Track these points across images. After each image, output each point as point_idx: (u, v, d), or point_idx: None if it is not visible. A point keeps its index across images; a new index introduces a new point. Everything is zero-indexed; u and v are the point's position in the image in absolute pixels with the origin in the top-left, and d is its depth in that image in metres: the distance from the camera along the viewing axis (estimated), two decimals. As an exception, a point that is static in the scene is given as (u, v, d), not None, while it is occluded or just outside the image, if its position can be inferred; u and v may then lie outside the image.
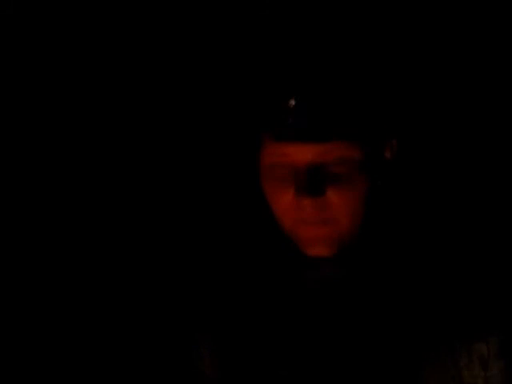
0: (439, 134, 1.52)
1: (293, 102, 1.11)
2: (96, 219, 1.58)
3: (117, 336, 1.50)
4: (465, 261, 1.20)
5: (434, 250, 1.21)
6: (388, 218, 1.24)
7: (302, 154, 1.12)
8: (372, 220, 1.19)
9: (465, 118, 1.52)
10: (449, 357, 1.16)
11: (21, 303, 1.57)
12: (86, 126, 1.59)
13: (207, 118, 1.56)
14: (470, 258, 1.20)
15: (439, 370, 1.16)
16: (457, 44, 1.51)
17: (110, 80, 1.58)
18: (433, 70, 1.51)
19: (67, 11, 1.56)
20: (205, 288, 1.28)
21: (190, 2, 1.55)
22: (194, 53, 1.55)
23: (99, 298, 1.55)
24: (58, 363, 1.53)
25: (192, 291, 1.29)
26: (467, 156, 1.52)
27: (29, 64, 1.58)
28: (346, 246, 1.18)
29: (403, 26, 1.47)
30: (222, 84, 1.53)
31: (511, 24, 1.51)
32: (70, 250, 1.57)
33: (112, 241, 1.58)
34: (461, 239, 1.23)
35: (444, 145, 1.52)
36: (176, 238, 1.55)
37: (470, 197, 1.48)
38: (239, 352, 1.23)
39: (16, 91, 1.59)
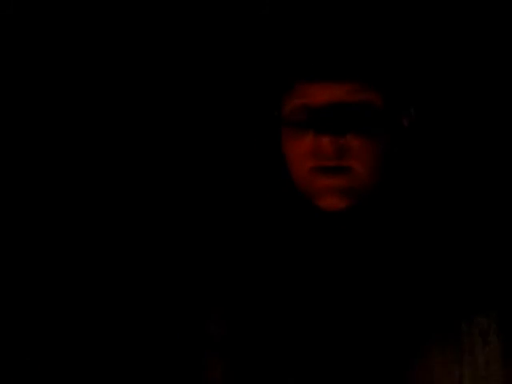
0: (457, 111, 1.52)
1: (319, 39, 1.12)
2: (98, 207, 1.58)
3: (125, 310, 1.49)
4: (470, 236, 1.23)
5: (442, 222, 1.23)
6: (401, 184, 1.24)
7: (325, 93, 1.12)
8: (386, 183, 1.19)
9: (483, 105, 1.53)
10: (451, 332, 1.18)
11: (21, 303, 1.56)
12: (86, 126, 1.60)
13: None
14: (474, 235, 1.23)
15: (442, 348, 1.18)
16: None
17: (110, 79, 1.59)
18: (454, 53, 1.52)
19: (67, 11, 1.57)
20: (215, 250, 1.28)
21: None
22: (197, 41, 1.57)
23: (106, 269, 1.54)
24: (61, 348, 1.52)
25: (203, 254, 1.29)
26: (481, 139, 1.53)
27: (29, 64, 1.58)
28: (359, 204, 1.17)
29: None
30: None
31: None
32: (72, 240, 1.57)
33: (117, 219, 1.57)
34: (468, 217, 1.26)
35: (461, 121, 1.52)
36: (187, 204, 1.54)
37: (481, 173, 1.49)
38: (251, 320, 1.22)
39: (16, 91, 1.59)
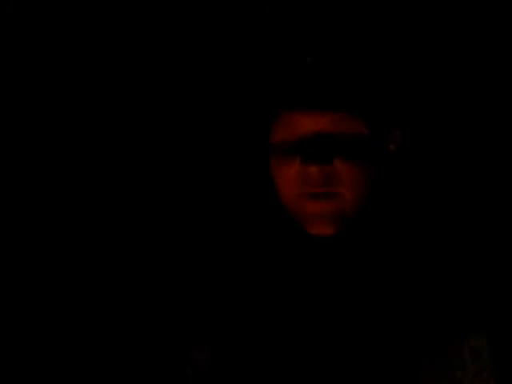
0: (442, 131, 1.54)
1: (308, 67, 1.15)
2: (96, 215, 1.59)
3: (113, 331, 1.50)
4: (461, 252, 1.25)
5: (429, 242, 1.25)
6: (388, 204, 1.26)
7: (312, 122, 1.15)
8: (372, 205, 1.21)
9: (469, 117, 1.54)
10: (441, 349, 1.20)
11: (17, 299, 1.57)
12: (86, 126, 1.60)
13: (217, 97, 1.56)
14: (466, 251, 1.25)
15: (433, 366, 1.20)
16: (464, 38, 1.53)
17: (109, 79, 1.59)
18: (439, 68, 1.53)
19: (67, 11, 1.56)
20: (203, 270, 1.29)
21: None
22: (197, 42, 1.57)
23: (96, 293, 1.55)
24: (53, 361, 1.53)
25: (191, 275, 1.30)
26: (468, 152, 1.54)
27: (29, 64, 1.58)
28: (346, 228, 1.19)
29: (408, 23, 1.49)
30: (232, 64, 1.53)
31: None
32: (67, 252, 1.57)
33: (110, 233, 1.58)
34: (454, 237, 1.27)
35: (446, 140, 1.53)
36: (174, 228, 1.55)
37: (468, 188, 1.51)
38: (236, 345, 1.23)
39: (16, 91, 1.58)
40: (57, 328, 1.52)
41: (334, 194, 1.17)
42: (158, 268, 1.47)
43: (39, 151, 1.60)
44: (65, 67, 1.59)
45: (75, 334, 1.51)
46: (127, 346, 1.44)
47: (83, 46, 1.59)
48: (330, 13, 1.25)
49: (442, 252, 1.25)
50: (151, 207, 1.58)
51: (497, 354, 1.21)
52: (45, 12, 1.57)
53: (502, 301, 1.23)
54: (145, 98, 1.59)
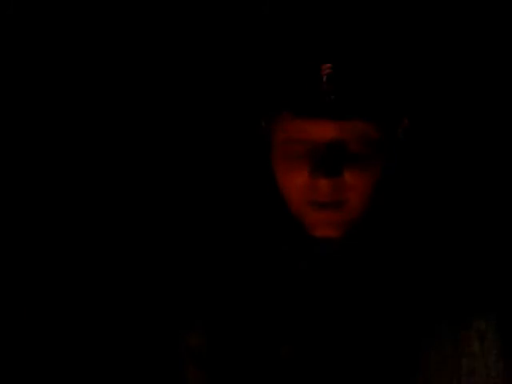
0: (450, 119, 1.53)
1: (320, 76, 1.09)
2: (91, 208, 1.58)
3: (107, 317, 1.49)
4: (464, 245, 1.22)
5: (437, 235, 1.22)
6: (394, 201, 1.23)
7: (323, 131, 1.09)
8: (380, 202, 1.17)
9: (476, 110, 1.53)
10: (448, 337, 1.17)
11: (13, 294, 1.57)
12: (86, 126, 1.60)
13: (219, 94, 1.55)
14: (470, 241, 1.23)
15: (439, 355, 1.17)
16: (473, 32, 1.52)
17: (109, 79, 1.59)
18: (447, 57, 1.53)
19: (67, 11, 1.58)
20: (199, 266, 1.26)
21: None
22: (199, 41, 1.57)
23: (90, 280, 1.54)
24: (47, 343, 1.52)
25: (186, 271, 1.28)
26: (474, 148, 1.53)
27: (29, 64, 1.59)
28: (352, 230, 1.16)
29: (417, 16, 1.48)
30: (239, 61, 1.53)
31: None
32: (66, 241, 1.57)
33: (105, 222, 1.57)
34: (461, 226, 1.25)
35: (454, 136, 1.52)
36: (172, 222, 1.54)
37: (475, 184, 1.49)
38: (233, 335, 1.20)
39: (16, 91, 1.59)
40: (53, 313, 1.51)
41: (342, 202, 1.13)
42: (154, 257, 1.46)
43: (39, 151, 1.60)
44: (65, 67, 1.60)
45: (68, 320, 1.49)
46: (121, 333, 1.42)
47: (83, 46, 1.59)
48: (335, 15, 1.22)
49: (447, 237, 1.23)
50: (150, 204, 1.56)
51: (505, 336, 1.18)
52: (45, 12, 1.58)
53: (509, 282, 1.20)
54: (145, 93, 1.58)
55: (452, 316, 1.18)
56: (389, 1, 1.25)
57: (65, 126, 1.60)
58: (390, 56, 1.17)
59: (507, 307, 1.19)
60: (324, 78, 1.10)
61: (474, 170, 1.53)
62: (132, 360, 1.39)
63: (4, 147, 1.60)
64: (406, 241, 1.22)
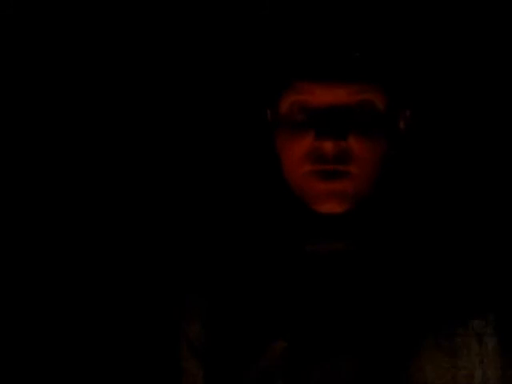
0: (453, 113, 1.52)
1: (329, 39, 1.09)
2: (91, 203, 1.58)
3: (105, 307, 1.49)
4: (464, 245, 1.21)
5: (438, 226, 1.21)
6: (397, 187, 1.22)
7: (328, 93, 1.09)
8: (382, 186, 1.17)
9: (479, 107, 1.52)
10: (447, 337, 1.17)
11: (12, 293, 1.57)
12: (86, 126, 1.60)
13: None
14: (469, 241, 1.22)
15: (437, 355, 1.16)
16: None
17: (109, 79, 1.60)
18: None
19: (67, 11, 1.58)
20: (201, 247, 1.27)
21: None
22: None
23: (88, 272, 1.54)
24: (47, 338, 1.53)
25: (188, 251, 1.28)
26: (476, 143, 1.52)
27: (29, 64, 1.59)
28: (356, 207, 1.15)
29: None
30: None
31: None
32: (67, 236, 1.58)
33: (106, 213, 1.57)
34: (464, 220, 1.25)
35: (456, 123, 1.51)
36: (173, 207, 1.54)
37: (474, 184, 1.48)
38: (232, 317, 1.19)
39: (16, 91, 1.60)
40: (52, 308, 1.51)
41: (346, 173, 1.12)
42: (154, 245, 1.46)
43: (39, 151, 1.61)
44: (65, 67, 1.61)
45: (64, 311, 1.50)
46: (120, 323, 1.42)
47: (83, 46, 1.60)
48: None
49: (446, 237, 1.22)
50: (149, 181, 1.56)
51: (504, 336, 1.18)
52: (45, 12, 1.58)
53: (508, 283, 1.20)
54: (146, 82, 1.58)
55: (450, 316, 1.18)
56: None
57: (65, 125, 1.61)
58: (398, 26, 1.17)
59: (505, 308, 1.19)
60: (326, 42, 1.10)
61: (474, 170, 1.52)
62: (131, 351, 1.39)
63: (4, 147, 1.60)
64: (404, 240, 1.21)
